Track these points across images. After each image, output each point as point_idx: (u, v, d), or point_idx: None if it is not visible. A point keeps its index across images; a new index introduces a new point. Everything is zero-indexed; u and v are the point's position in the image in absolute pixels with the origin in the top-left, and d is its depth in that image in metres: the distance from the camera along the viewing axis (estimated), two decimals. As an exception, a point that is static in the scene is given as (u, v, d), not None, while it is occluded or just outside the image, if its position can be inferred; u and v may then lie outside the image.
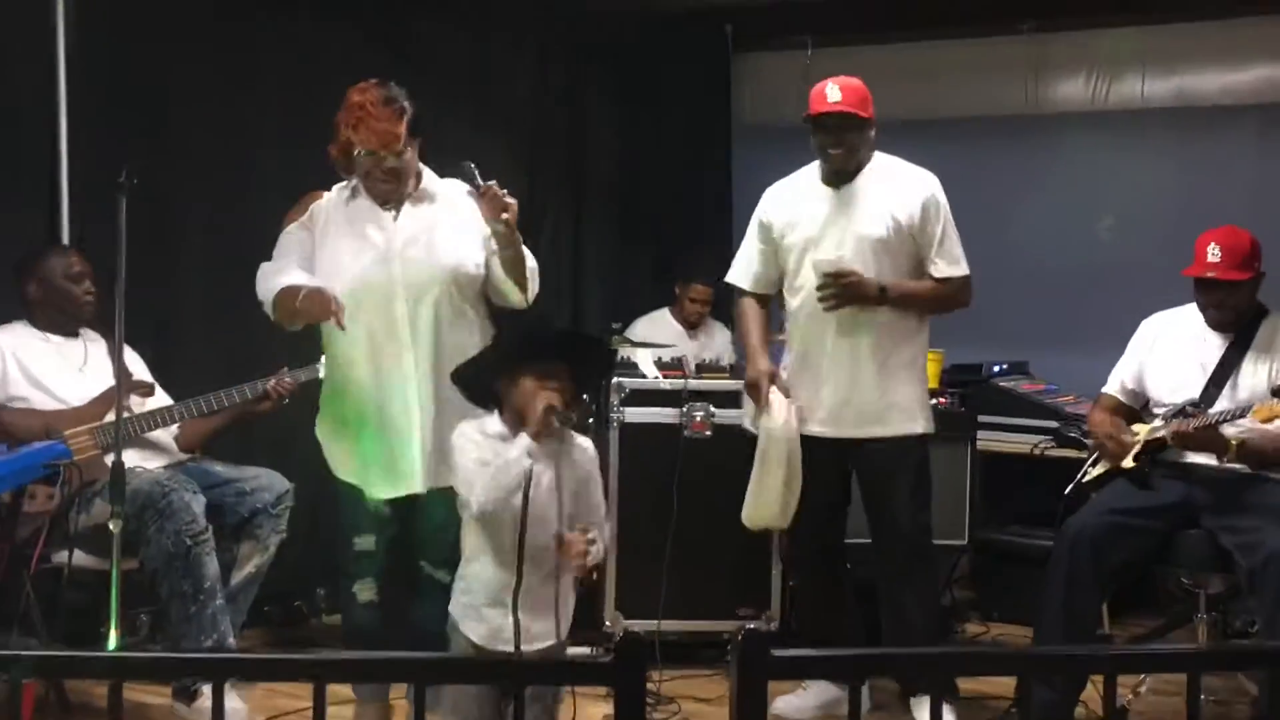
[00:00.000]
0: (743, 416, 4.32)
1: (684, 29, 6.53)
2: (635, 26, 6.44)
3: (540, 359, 2.97)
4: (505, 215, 3.38)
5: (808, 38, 6.42)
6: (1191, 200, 5.66)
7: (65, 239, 4.38)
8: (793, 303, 4.05)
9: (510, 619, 2.87)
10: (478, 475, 2.91)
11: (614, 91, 6.59)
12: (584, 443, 3.12)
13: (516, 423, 2.97)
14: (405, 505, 3.47)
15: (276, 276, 3.44)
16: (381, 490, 3.48)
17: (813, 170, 4.04)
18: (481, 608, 2.94)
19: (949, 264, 3.97)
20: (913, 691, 3.93)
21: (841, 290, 3.83)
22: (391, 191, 3.46)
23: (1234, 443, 3.84)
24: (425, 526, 3.50)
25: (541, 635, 2.93)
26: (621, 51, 6.52)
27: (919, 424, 3.99)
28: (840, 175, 3.94)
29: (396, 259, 3.42)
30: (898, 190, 3.94)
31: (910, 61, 6.27)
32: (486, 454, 2.94)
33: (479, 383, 3.07)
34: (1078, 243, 6.11)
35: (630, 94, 6.61)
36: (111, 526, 3.20)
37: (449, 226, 3.49)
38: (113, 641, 3.10)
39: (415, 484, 3.43)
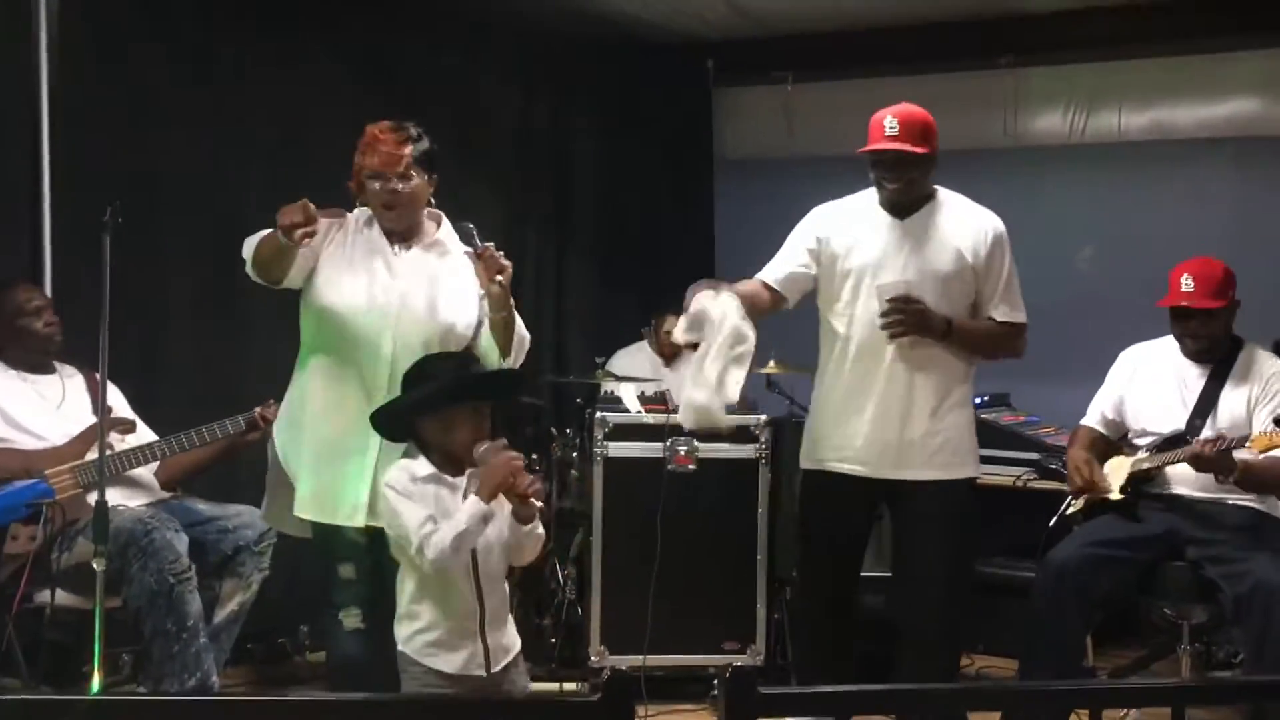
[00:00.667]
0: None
1: (666, 63, 6.57)
2: (617, 61, 6.48)
3: (466, 400, 3.04)
4: (500, 277, 3.39)
5: (789, 72, 6.46)
6: (1170, 232, 5.71)
7: (48, 271, 4.37)
8: (840, 330, 3.84)
9: (479, 644, 2.97)
10: (423, 528, 2.92)
11: (596, 125, 6.61)
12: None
13: (445, 462, 3.02)
14: (378, 535, 3.45)
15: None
16: (320, 515, 3.44)
17: (870, 195, 3.88)
18: (450, 640, 2.97)
19: (1011, 309, 3.85)
20: None
21: (908, 318, 3.67)
22: (394, 219, 3.45)
23: (1240, 464, 3.84)
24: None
25: (506, 648, 3.06)
26: (604, 86, 6.56)
27: (969, 467, 3.87)
28: (901, 207, 3.81)
29: (395, 302, 3.40)
30: (966, 228, 3.82)
31: (890, 95, 6.18)
32: (428, 503, 2.96)
33: (398, 424, 3.12)
34: (1058, 274, 6.13)
35: (613, 128, 6.64)
36: (96, 565, 3.18)
37: (452, 283, 3.49)
38: (96, 683, 3.07)
39: (359, 517, 3.39)
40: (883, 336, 3.72)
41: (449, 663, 2.96)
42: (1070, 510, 4.27)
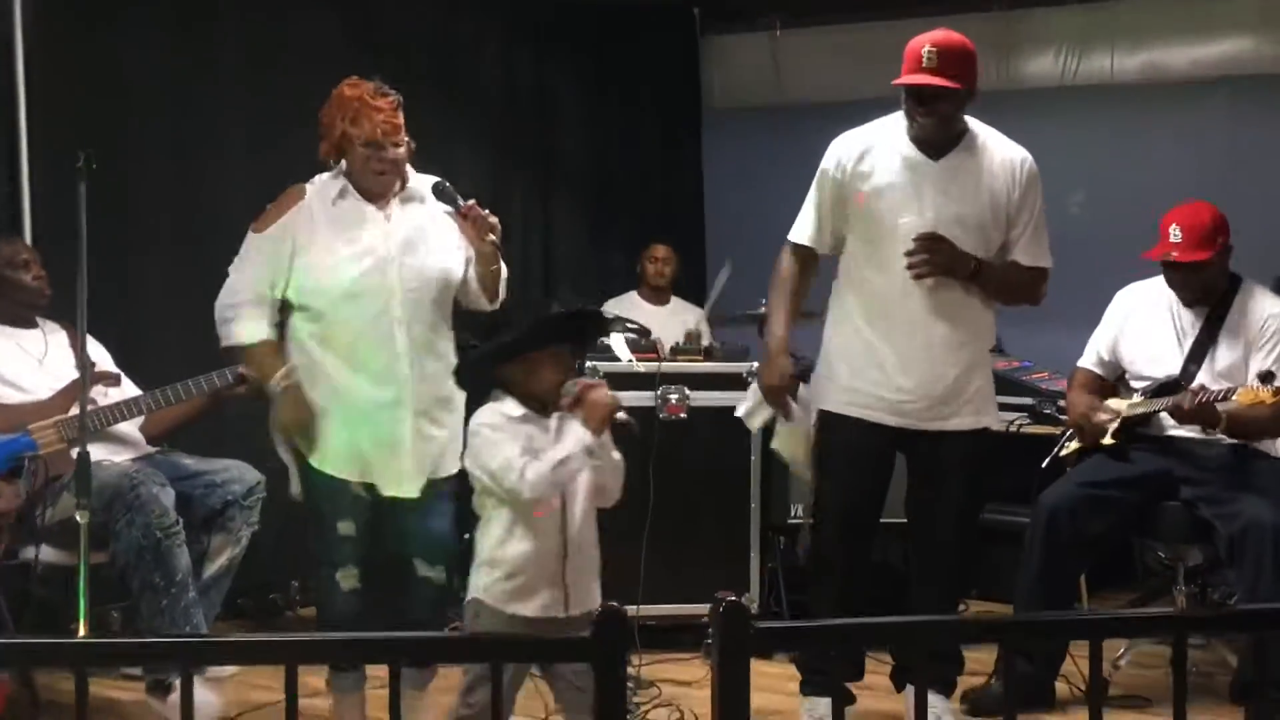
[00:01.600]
0: (740, 404, 3.90)
1: (651, 12, 6.49)
2: (602, 10, 6.39)
3: (556, 342, 3.04)
4: (491, 236, 3.35)
5: (776, 18, 6.39)
6: (1163, 174, 5.67)
7: (28, 226, 4.31)
8: (868, 276, 3.64)
9: (561, 587, 2.97)
10: (523, 458, 2.92)
11: (582, 76, 6.54)
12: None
13: (536, 405, 3.01)
14: (379, 496, 3.42)
15: (245, 323, 3.39)
16: (378, 486, 3.41)
17: (897, 129, 3.62)
18: (533, 584, 2.97)
19: (1038, 253, 3.69)
20: (902, 684, 3.79)
21: (935, 259, 3.49)
22: (389, 184, 3.40)
23: (1224, 415, 3.82)
24: (417, 526, 3.45)
25: (589, 600, 3.03)
26: (588, 35, 6.47)
27: (991, 417, 3.78)
28: (933, 145, 3.57)
29: (395, 262, 3.36)
30: (1001, 169, 3.61)
31: (879, 40, 6.20)
32: (520, 441, 2.95)
33: (482, 372, 3.12)
34: (1050, 219, 6.08)
35: (598, 78, 6.57)
36: (79, 518, 3.13)
37: (436, 231, 3.45)
38: (81, 633, 3.03)
39: (408, 488, 3.39)
40: (909, 282, 3.54)
41: (529, 607, 2.97)
42: (1063, 453, 4.24)
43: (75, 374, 3.93)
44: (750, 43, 6.58)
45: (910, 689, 3.70)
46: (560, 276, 6.35)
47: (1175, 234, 3.99)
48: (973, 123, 3.65)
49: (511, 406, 3.02)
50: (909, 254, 3.51)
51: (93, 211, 4.37)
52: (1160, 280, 4.20)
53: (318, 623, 3.69)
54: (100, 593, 4.11)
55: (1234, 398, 3.78)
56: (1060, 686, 3.97)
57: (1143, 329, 4.19)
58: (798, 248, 3.76)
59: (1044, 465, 4.28)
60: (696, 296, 5.97)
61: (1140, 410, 4.04)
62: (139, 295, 4.73)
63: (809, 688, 3.76)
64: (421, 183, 3.50)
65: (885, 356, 3.62)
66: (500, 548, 3.02)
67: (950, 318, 3.58)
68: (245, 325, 3.40)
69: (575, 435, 2.94)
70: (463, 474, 3.34)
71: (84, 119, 4.44)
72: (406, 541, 3.47)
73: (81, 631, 3.03)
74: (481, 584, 3.03)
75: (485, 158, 6.03)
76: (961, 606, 5.11)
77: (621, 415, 2.98)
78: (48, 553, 3.69)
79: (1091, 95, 6.04)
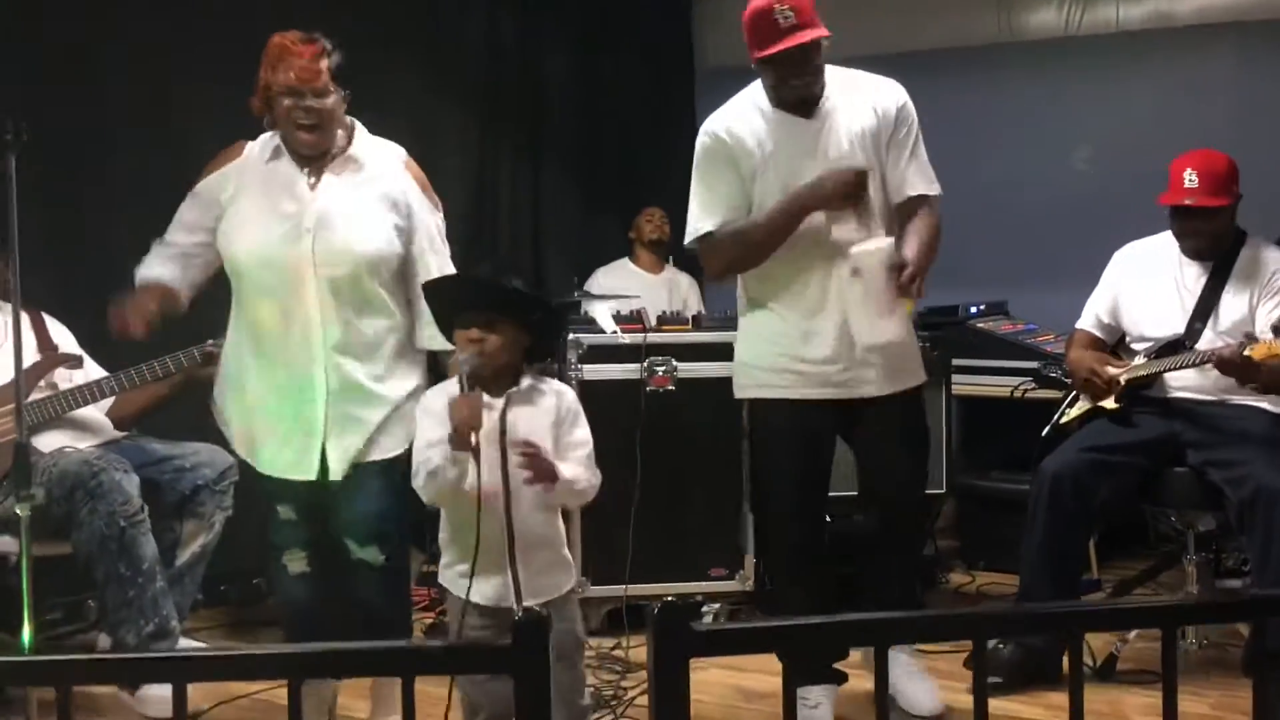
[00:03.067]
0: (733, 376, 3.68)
1: (642, -31, 6.30)
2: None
3: (452, 310, 2.88)
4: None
5: (769, -26, 6.17)
6: (1171, 125, 5.46)
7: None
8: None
9: (509, 576, 2.79)
10: (420, 454, 2.82)
11: (571, 36, 6.33)
12: (548, 387, 2.93)
13: (483, 382, 2.82)
14: (317, 482, 3.29)
15: (146, 267, 3.36)
16: (277, 470, 3.30)
17: (760, 99, 3.48)
18: (481, 573, 2.81)
19: (930, 178, 3.50)
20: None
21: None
22: (314, 143, 3.23)
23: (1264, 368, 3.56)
24: (344, 508, 3.33)
25: (545, 589, 2.86)
26: (578, -2, 6.28)
27: (922, 373, 3.62)
28: (807, 104, 3.42)
29: (309, 235, 3.19)
30: (868, 106, 3.46)
31: (876, -6, 6.06)
32: (440, 418, 2.79)
33: (445, 329, 2.97)
34: (1054, 175, 5.91)
35: (588, 38, 6.36)
36: (18, 510, 2.99)
37: (370, 201, 3.26)
38: (26, 635, 2.90)
39: (312, 471, 3.26)
40: (822, 252, 3.40)
41: (479, 593, 2.82)
42: (1065, 419, 4.07)
43: (36, 358, 3.81)
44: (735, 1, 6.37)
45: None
46: (550, 244, 6.18)
47: (1191, 179, 3.80)
48: (828, 69, 3.46)
49: (454, 384, 2.85)
50: (848, 195, 3.35)
51: (54, 187, 4.29)
52: (1160, 238, 4.02)
53: (279, 606, 3.59)
54: (66, 583, 4.02)
55: (1247, 352, 3.59)
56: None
57: (1144, 288, 4.01)
58: (725, 224, 3.49)
59: (1045, 433, 4.10)
60: (689, 263, 5.81)
61: (1144, 371, 3.87)
62: (107, 278, 4.57)
63: (798, 678, 3.60)
64: (372, 147, 3.32)
65: (801, 331, 3.47)
66: (446, 531, 2.91)
67: (868, 279, 3.37)
68: (144, 268, 3.35)
69: (441, 445, 2.75)
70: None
71: (46, 91, 4.28)
72: (339, 524, 3.34)
73: (26, 629, 2.88)
74: (441, 567, 2.94)
75: (473, 124, 5.87)
76: (967, 578, 5.00)
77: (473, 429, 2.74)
78: (5, 543, 3.56)
79: (1096, 45, 5.82)
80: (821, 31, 3.31)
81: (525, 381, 2.88)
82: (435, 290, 2.97)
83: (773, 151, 3.44)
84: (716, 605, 4.40)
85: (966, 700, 3.59)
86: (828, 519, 3.73)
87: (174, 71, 4.66)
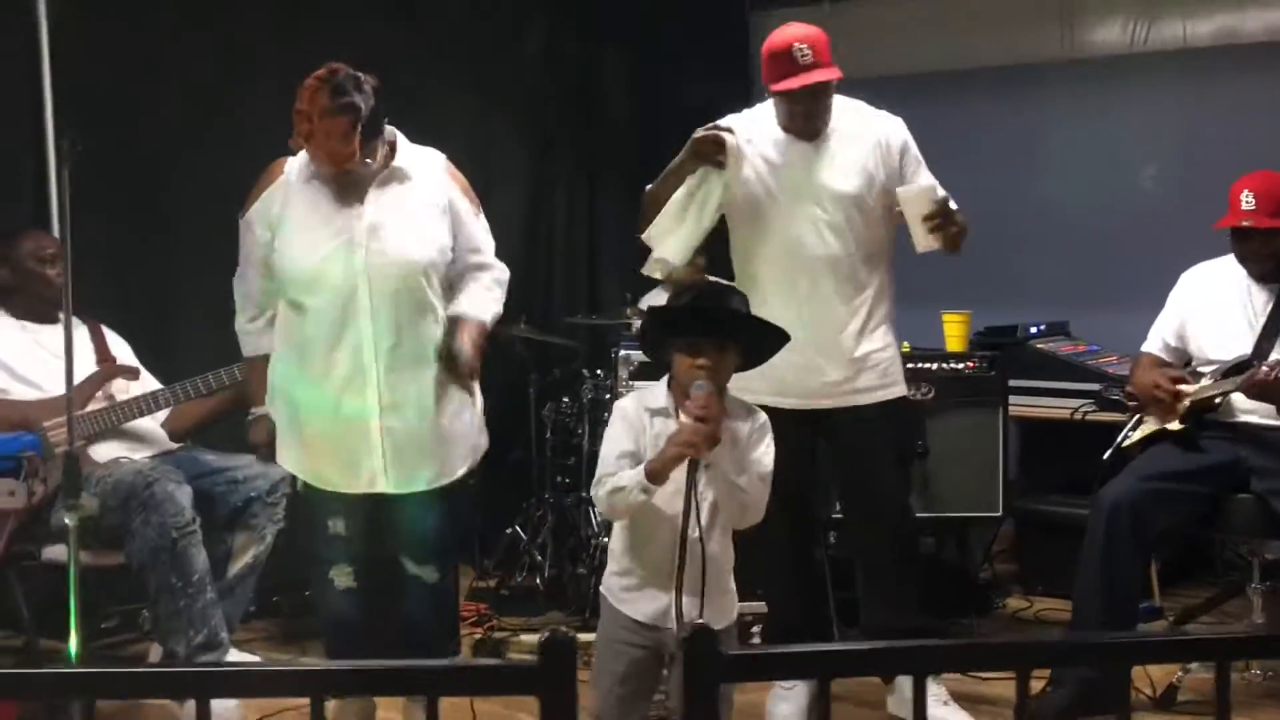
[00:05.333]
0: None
1: (700, -14, 6.28)
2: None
3: (685, 332, 2.78)
4: None
5: (828, -7, 6.15)
6: (1238, 144, 5.33)
7: (54, 218, 4.22)
8: (758, 267, 3.61)
9: (671, 600, 2.69)
10: (606, 467, 2.75)
11: (628, 56, 6.34)
12: (744, 406, 2.88)
13: (680, 396, 2.78)
14: (376, 497, 3.29)
15: (255, 337, 3.42)
16: (332, 485, 3.30)
17: (765, 117, 3.64)
18: (643, 588, 2.79)
19: (935, 183, 3.58)
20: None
21: (947, 215, 3.41)
22: (360, 180, 3.23)
23: None
24: (402, 525, 3.33)
25: (711, 617, 2.75)
26: (635, 15, 6.27)
27: (902, 386, 3.70)
28: (814, 131, 3.57)
29: (361, 249, 3.18)
30: (871, 139, 3.59)
31: (937, 11, 5.99)
32: (644, 437, 2.76)
33: (653, 351, 2.91)
34: (1120, 195, 5.80)
35: (645, 57, 6.36)
36: (67, 520, 3.02)
37: (418, 212, 3.26)
38: (73, 645, 2.92)
39: (377, 484, 3.25)
40: (803, 262, 3.53)
41: (638, 610, 2.79)
42: (1127, 443, 3.98)
43: (92, 369, 3.85)
44: (800, 17, 6.29)
45: (898, 680, 3.64)
46: (605, 263, 6.17)
47: (1248, 201, 3.74)
48: (835, 99, 3.61)
49: (655, 396, 2.82)
50: (929, 217, 3.41)
51: (116, 200, 4.34)
52: (1228, 259, 3.93)
53: (320, 622, 3.59)
54: (119, 592, 4.06)
55: None
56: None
57: (1212, 310, 3.92)
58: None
59: (1106, 457, 4.01)
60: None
61: (1210, 392, 3.78)
62: (167, 287, 4.63)
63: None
64: (415, 156, 3.31)
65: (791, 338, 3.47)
66: (618, 541, 2.85)
67: (845, 292, 3.57)
68: (247, 340, 3.42)
69: (635, 471, 2.69)
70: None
71: (107, 107, 4.35)
72: (395, 539, 3.34)
73: (72, 640, 2.90)
74: (605, 574, 2.88)
75: (527, 138, 5.88)
76: (1025, 603, 4.91)
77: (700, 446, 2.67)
78: (60, 551, 3.59)
79: (1162, 63, 5.71)
80: (835, 74, 3.47)
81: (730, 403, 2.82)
82: (661, 313, 2.92)
83: (768, 158, 3.58)
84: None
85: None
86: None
87: (224, 78, 4.68)
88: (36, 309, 3.92)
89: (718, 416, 2.67)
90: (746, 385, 3.45)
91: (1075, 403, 4.95)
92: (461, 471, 3.36)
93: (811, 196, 3.55)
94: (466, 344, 3.25)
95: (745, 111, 3.72)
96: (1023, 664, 1.51)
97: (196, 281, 4.61)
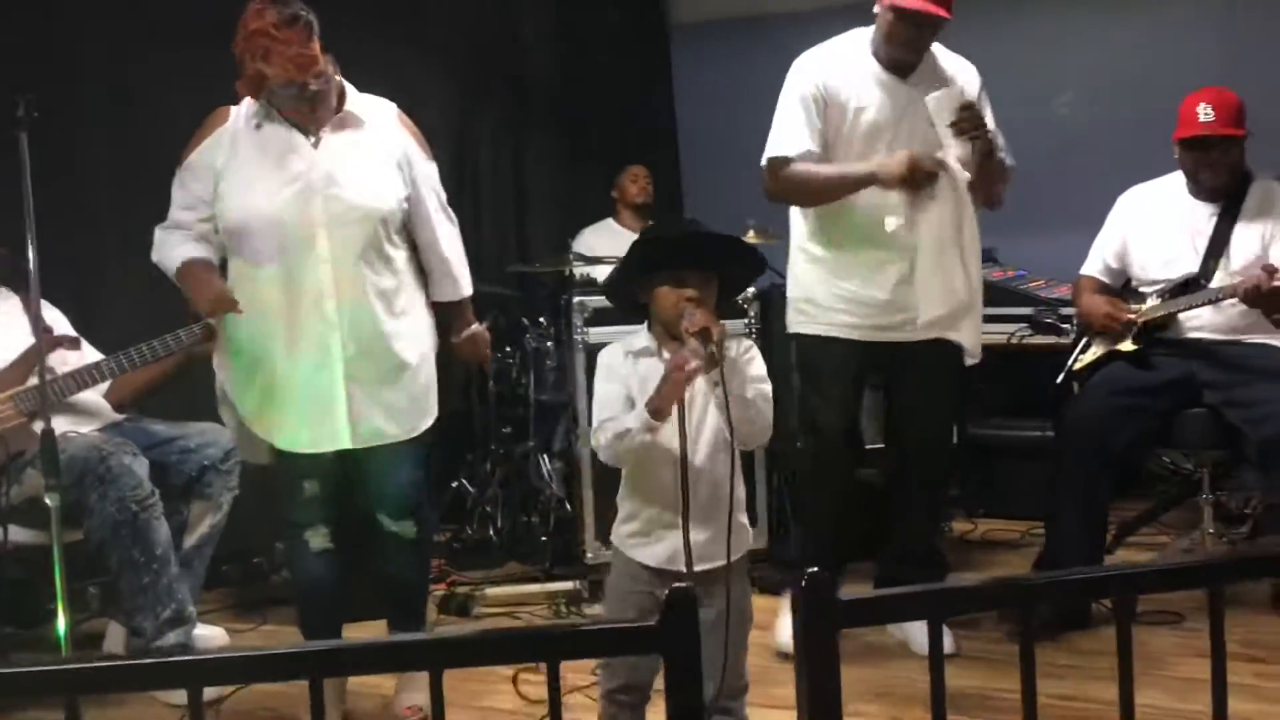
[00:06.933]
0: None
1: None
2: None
3: (669, 265, 2.68)
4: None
5: (741, -76, 6.11)
6: (1155, 68, 5.45)
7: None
8: (848, 199, 3.59)
9: (679, 541, 2.64)
10: (602, 413, 2.68)
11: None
12: (744, 346, 2.78)
13: (664, 336, 2.71)
14: (346, 454, 3.21)
15: (172, 249, 3.17)
16: (300, 445, 3.21)
17: (858, 44, 3.63)
18: (651, 532, 2.72)
19: (1007, 154, 3.70)
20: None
21: (976, 119, 3.45)
22: (321, 118, 3.12)
23: None
24: (373, 480, 3.28)
25: (713, 555, 2.68)
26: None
27: (977, 335, 3.74)
28: (908, 67, 3.59)
29: (319, 195, 3.08)
30: (958, 80, 3.65)
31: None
32: (632, 382, 2.68)
33: (623, 295, 2.81)
34: (1037, 120, 5.88)
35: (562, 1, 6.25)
36: (48, 500, 2.89)
37: (374, 158, 3.17)
38: (61, 624, 2.81)
39: (340, 440, 3.18)
40: (893, 200, 3.49)
41: (650, 555, 2.72)
42: (1078, 365, 4.07)
43: (30, 341, 3.67)
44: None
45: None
46: (533, 203, 6.08)
47: (1206, 112, 3.79)
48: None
49: (637, 339, 2.74)
50: (956, 123, 3.44)
51: (39, 168, 4.11)
52: (1166, 180, 4.01)
53: (294, 587, 3.51)
54: (77, 569, 3.89)
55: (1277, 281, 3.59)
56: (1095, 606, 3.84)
57: (1153, 230, 4.00)
58: (805, 155, 3.58)
59: (1059, 380, 4.09)
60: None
61: (1163, 311, 3.87)
62: (93, 255, 4.44)
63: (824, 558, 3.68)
64: (366, 104, 3.22)
65: (865, 273, 3.62)
66: (623, 488, 2.79)
67: (942, 233, 3.54)
68: (170, 251, 3.18)
69: (637, 412, 2.61)
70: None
71: (26, 76, 4.11)
72: (370, 496, 3.29)
73: (60, 619, 2.78)
74: (614, 526, 2.81)
75: (453, 83, 5.74)
76: (969, 525, 5.01)
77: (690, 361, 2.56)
78: (18, 533, 3.45)
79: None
80: (948, 15, 3.46)
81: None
82: (647, 245, 2.76)
83: (863, 108, 3.57)
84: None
85: (980, 646, 3.65)
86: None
87: (134, 32, 4.46)
88: None
89: (720, 329, 2.59)
90: (821, 320, 3.70)
91: (1010, 328, 5.03)
92: (427, 423, 3.30)
93: (907, 131, 3.55)
94: (474, 328, 3.34)
95: (830, 47, 3.68)
96: (1031, 602, 1.53)
97: (123, 251, 4.43)
